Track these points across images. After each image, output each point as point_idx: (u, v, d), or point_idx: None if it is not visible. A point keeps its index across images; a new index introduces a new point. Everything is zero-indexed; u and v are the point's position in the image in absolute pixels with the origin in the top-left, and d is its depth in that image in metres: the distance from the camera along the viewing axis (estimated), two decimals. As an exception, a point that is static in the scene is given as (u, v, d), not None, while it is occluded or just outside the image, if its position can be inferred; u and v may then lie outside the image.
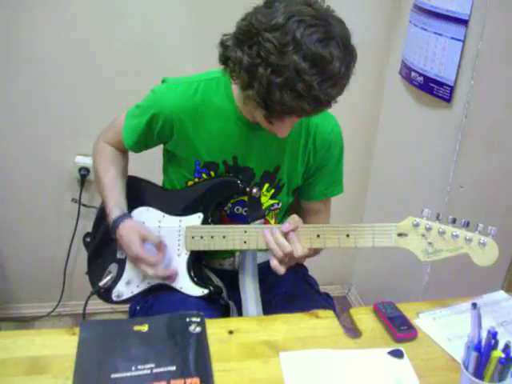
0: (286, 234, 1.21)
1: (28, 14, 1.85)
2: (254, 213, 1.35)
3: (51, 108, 2.01)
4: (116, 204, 1.32)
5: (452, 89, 1.73)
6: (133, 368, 0.98)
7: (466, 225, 1.15)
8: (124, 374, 0.97)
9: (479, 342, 0.93)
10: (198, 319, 1.12)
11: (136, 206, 1.37)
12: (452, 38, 1.69)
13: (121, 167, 1.41)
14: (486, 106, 1.70)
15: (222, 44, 1.14)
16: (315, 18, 1.03)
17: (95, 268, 1.43)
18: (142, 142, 1.37)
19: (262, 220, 1.36)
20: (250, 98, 1.11)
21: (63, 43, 1.92)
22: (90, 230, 1.48)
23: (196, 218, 1.32)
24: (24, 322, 2.32)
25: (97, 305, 1.56)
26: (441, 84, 1.77)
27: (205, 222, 1.32)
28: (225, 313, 1.37)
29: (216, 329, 1.12)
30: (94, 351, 1.03)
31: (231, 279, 1.39)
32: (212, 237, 1.29)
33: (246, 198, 1.35)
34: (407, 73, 1.97)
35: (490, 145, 1.76)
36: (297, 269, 1.49)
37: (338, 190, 1.44)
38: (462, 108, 1.72)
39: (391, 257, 2.10)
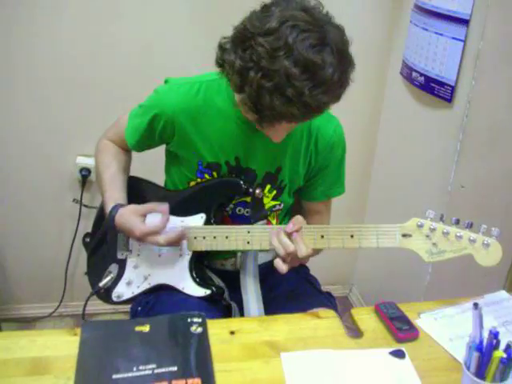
0: (289, 234, 1.21)
1: (28, 14, 1.86)
2: (256, 213, 1.35)
3: (52, 108, 2.02)
4: (113, 199, 1.30)
5: (453, 89, 1.73)
6: (134, 368, 0.98)
7: (470, 226, 1.16)
8: (125, 375, 0.97)
9: (481, 342, 0.93)
10: (200, 320, 1.12)
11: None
12: (453, 38, 1.69)
13: (122, 164, 1.41)
14: (487, 105, 1.70)
15: (221, 47, 1.14)
16: (309, 23, 1.02)
17: (95, 268, 1.43)
18: (144, 142, 1.37)
19: (265, 221, 1.36)
20: (242, 102, 1.11)
21: (64, 43, 1.92)
22: (89, 231, 1.48)
23: (198, 219, 1.32)
24: (25, 323, 2.32)
25: (98, 305, 1.56)
26: (442, 84, 1.77)
27: (207, 222, 1.32)
28: (226, 313, 1.37)
29: (217, 329, 1.12)
30: (96, 352, 1.03)
31: (233, 280, 1.39)
32: (214, 237, 1.29)
33: (248, 199, 1.35)
34: (408, 73, 1.97)
35: (491, 145, 1.76)
36: (298, 269, 1.48)
37: (340, 190, 1.44)
38: (463, 108, 1.72)
39: (393, 257, 2.10)
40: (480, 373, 0.92)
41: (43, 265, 2.27)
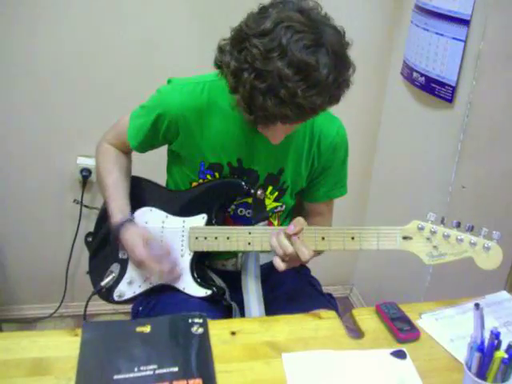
0: (289, 236, 1.21)
1: (29, 14, 1.85)
2: (258, 215, 1.35)
3: (53, 109, 2.02)
4: (119, 209, 1.32)
5: (454, 89, 1.73)
6: (135, 369, 0.98)
7: (471, 229, 1.16)
8: (126, 375, 0.97)
9: (482, 342, 0.93)
10: (201, 320, 1.12)
11: (139, 207, 1.37)
12: (453, 39, 1.69)
13: (124, 169, 1.41)
14: (487, 106, 1.70)
15: (220, 48, 1.14)
16: (304, 24, 1.02)
17: (97, 268, 1.43)
18: (148, 143, 1.37)
19: (266, 222, 1.36)
20: (237, 103, 1.11)
21: (65, 43, 1.92)
22: (91, 230, 1.48)
23: (200, 219, 1.32)
24: (26, 324, 2.32)
25: (99, 306, 1.56)
26: (442, 84, 1.77)
27: (209, 223, 1.32)
28: (227, 314, 1.36)
29: (218, 330, 1.12)
30: (97, 352, 1.03)
31: (234, 280, 1.39)
32: (216, 238, 1.29)
33: (249, 200, 1.35)
34: (409, 73, 1.97)
35: (492, 145, 1.76)
36: (299, 270, 1.49)
37: (342, 191, 1.44)
38: (463, 108, 1.72)
39: (393, 258, 2.10)
40: (481, 373, 0.92)
41: (44, 265, 2.27)
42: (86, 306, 1.39)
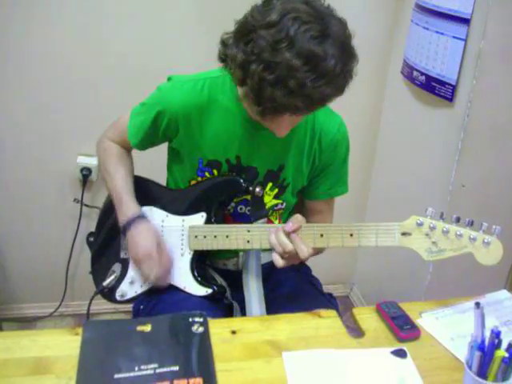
0: (288, 234, 1.21)
1: (26, 15, 1.85)
2: (256, 212, 1.35)
3: (53, 108, 2.01)
4: (133, 203, 1.33)
5: (454, 88, 1.73)
6: (136, 368, 0.98)
7: (470, 224, 1.14)
8: (127, 374, 0.97)
9: (482, 341, 0.93)
10: (201, 319, 1.12)
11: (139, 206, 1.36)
12: (454, 37, 1.69)
13: (128, 166, 1.41)
14: (488, 105, 1.70)
15: (223, 42, 1.14)
16: (311, 15, 1.02)
17: (99, 267, 1.43)
18: (148, 140, 1.37)
19: (265, 219, 1.36)
20: (245, 96, 1.11)
21: (65, 43, 1.92)
22: (92, 229, 1.49)
23: (199, 218, 1.32)
24: (26, 323, 2.32)
25: (99, 305, 1.56)
26: (443, 83, 1.77)
27: (208, 221, 1.32)
28: (228, 313, 1.36)
29: (219, 329, 1.12)
30: (97, 351, 1.03)
31: (235, 279, 1.39)
32: (215, 236, 1.29)
33: (249, 197, 1.35)
34: (409, 72, 1.97)
35: (493, 144, 1.76)
36: (300, 269, 1.49)
37: (343, 190, 1.43)
38: (464, 107, 1.71)
39: (393, 256, 2.10)
40: (482, 372, 0.92)
41: (44, 264, 2.27)
42: (89, 305, 1.39)
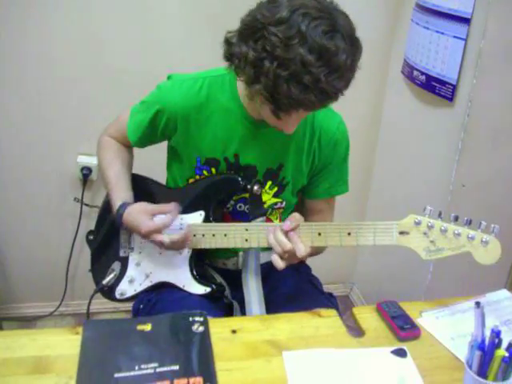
0: (286, 233, 1.20)
1: (22, 15, 1.85)
2: (255, 210, 1.34)
3: (53, 107, 2.01)
4: (119, 198, 1.31)
5: (454, 88, 1.73)
6: (136, 367, 0.98)
7: (469, 223, 1.14)
8: (127, 374, 0.97)
9: (483, 340, 0.93)
10: (201, 318, 1.12)
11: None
12: (454, 37, 1.69)
13: (126, 161, 1.41)
14: (488, 104, 1.70)
15: (227, 41, 1.14)
16: (319, 10, 1.03)
17: (98, 266, 1.44)
18: (147, 138, 1.37)
19: (264, 218, 1.36)
20: (257, 94, 1.11)
21: (64, 43, 1.92)
22: (92, 229, 1.49)
23: (197, 216, 1.32)
24: (26, 322, 2.32)
25: (99, 304, 1.56)
26: (443, 83, 1.77)
27: (206, 219, 1.32)
28: (228, 312, 1.37)
29: (219, 328, 1.12)
30: (97, 350, 1.03)
31: (235, 279, 1.39)
32: (213, 235, 1.29)
33: (247, 196, 1.35)
34: (409, 71, 1.97)
35: (493, 143, 1.76)
36: (300, 268, 1.49)
37: (343, 189, 1.43)
38: (464, 107, 1.71)
39: (394, 256, 2.10)
40: (482, 372, 0.92)
41: (44, 263, 2.27)
42: (88, 304, 1.40)
